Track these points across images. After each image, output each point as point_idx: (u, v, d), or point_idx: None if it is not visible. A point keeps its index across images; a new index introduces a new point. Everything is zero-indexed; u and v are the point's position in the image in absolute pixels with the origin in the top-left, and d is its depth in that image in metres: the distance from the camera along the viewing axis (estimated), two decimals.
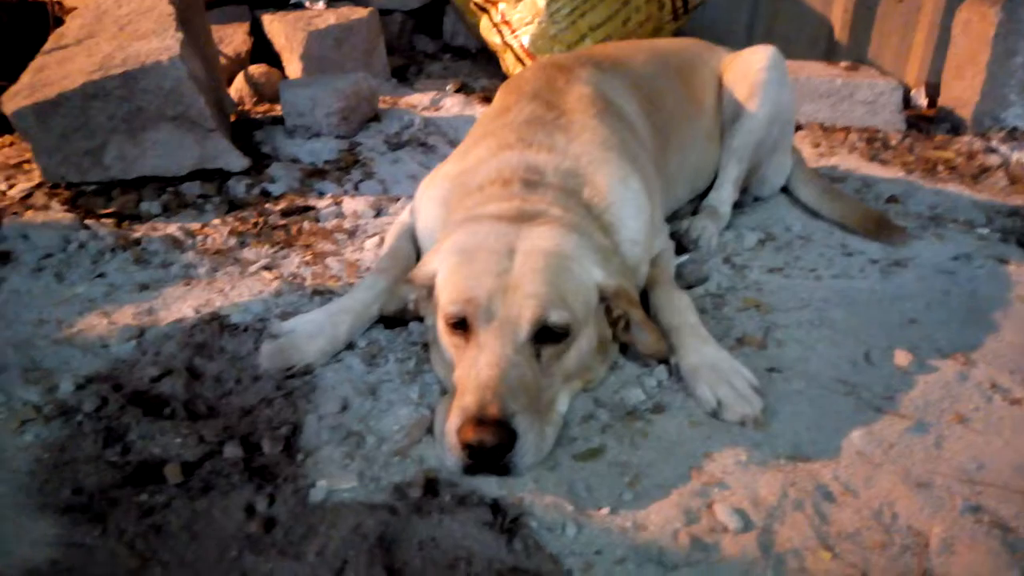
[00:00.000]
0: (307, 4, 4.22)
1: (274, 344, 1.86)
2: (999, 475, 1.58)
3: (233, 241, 2.47)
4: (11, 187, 2.81)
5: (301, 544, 1.38)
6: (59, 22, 3.51)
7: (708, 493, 1.51)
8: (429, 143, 3.32)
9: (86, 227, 2.52)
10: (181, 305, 2.10)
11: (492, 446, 1.45)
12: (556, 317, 1.59)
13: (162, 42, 2.84)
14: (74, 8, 3.74)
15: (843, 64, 4.24)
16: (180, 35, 2.87)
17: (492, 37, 4.36)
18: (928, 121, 4.13)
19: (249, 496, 1.48)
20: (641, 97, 2.36)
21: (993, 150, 3.71)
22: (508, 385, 1.50)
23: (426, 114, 3.68)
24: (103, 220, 2.59)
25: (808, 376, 1.86)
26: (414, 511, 1.45)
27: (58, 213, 2.60)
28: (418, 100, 3.88)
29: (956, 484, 1.55)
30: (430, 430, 1.63)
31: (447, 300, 1.67)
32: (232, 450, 1.58)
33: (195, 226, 2.58)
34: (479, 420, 1.46)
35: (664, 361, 1.86)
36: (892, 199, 3.03)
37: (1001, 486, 1.55)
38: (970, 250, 2.57)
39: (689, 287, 2.24)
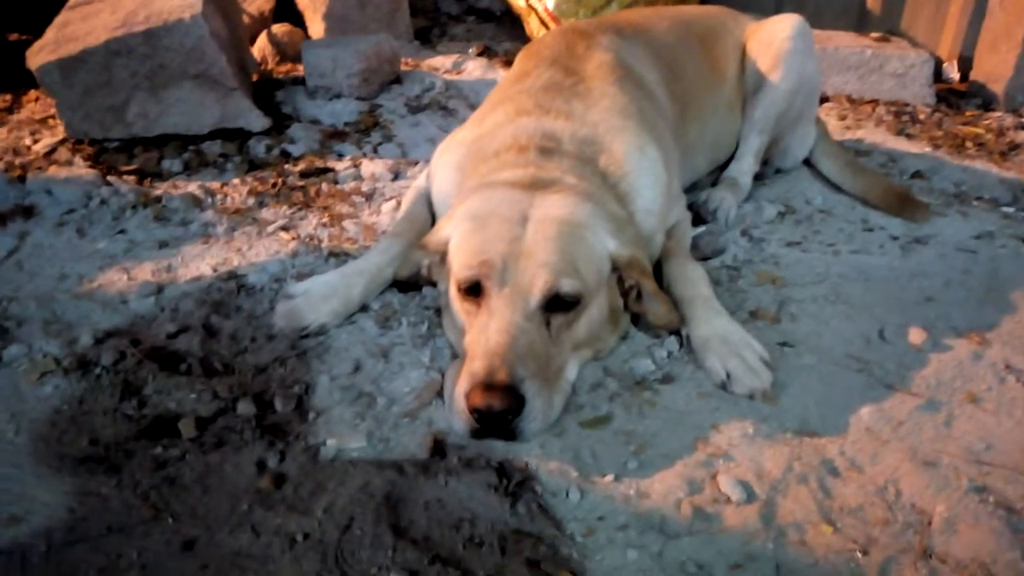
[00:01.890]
0: None
1: (289, 304, 1.88)
2: (1007, 456, 1.57)
3: (252, 201, 2.48)
4: (36, 142, 2.84)
5: (310, 500, 1.41)
6: None
7: (713, 464, 1.52)
8: (449, 107, 3.31)
9: (108, 183, 2.55)
10: (199, 263, 2.13)
11: (500, 411, 1.47)
12: (568, 286, 1.60)
13: (184, 0, 2.84)
14: None
15: (874, 35, 4.15)
16: None
17: (517, 0, 4.31)
18: (959, 95, 4.04)
19: (261, 452, 1.51)
20: (662, 65, 2.33)
21: None
22: (517, 352, 1.52)
23: (448, 77, 3.66)
24: (125, 177, 2.62)
25: (820, 351, 1.85)
26: (421, 472, 1.48)
27: (81, 169, 2.63)
28: (440, 63, 3.86)
29: (963, 463, 1.55)
30: (440, 393, 1.65)
31: (459, 265, 1.67)
32: (245, 407, 1.61)
33: (215, 185, 2.59)
34: (487, 385, 1.47)
35: (676, 332, 1.86)
36: (917, 175, 2.98)
37: (1009, 467, 1.55)
38: (993, 228, 2.53)
39: (705, 259, 2.24)
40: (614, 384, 1.73)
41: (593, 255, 1.69)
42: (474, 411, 1.49)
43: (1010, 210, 2.72)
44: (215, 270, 2.09)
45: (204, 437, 1.55)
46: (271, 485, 1.44)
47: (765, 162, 2.74)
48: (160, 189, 2.56)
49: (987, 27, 4.03)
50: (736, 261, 2.24)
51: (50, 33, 2.87)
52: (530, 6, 4.22)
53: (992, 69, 3.96)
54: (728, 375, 1.70)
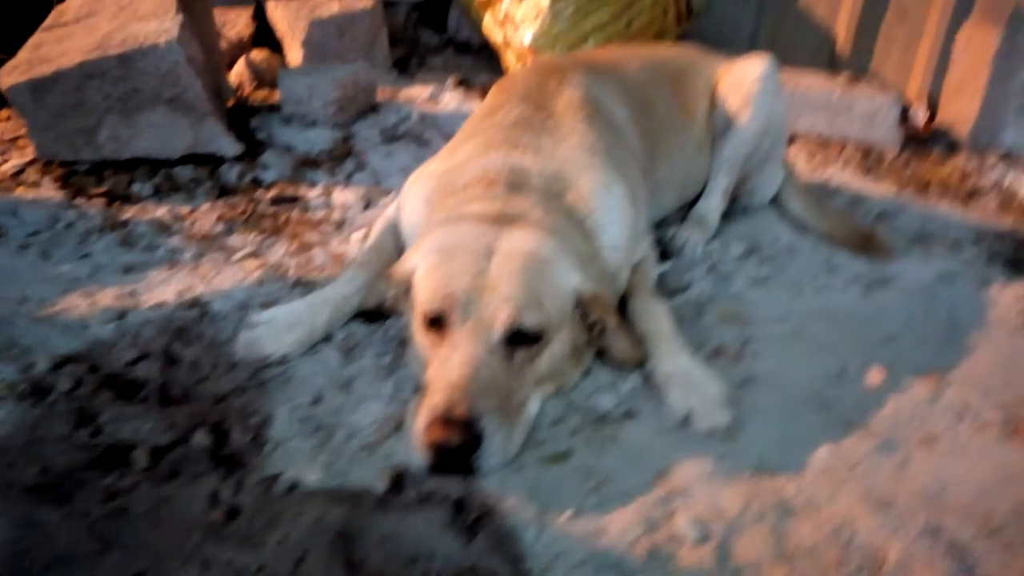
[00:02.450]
0: None
1: (251, 333, 1.87)
2: (961, 498, 1.59)
3: (220, 227, 2.47)
4: (4, 162, 2.82)
5: (263, 534, 1.39)
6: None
7: (670, 502, 1.52)
8: (425, 137, 3.32)
9: (75, 206, 2.53)
10: (164, 289, 2.11)
11: (457, 446, 1.46)
12: (530, 320, 1.61)
13: (161, 24, 2.84)
14: None
15: (843, 76, 4.24)
16: (180, 18, 2.88)
17: (494, 34, 4.36)
18: (925, 139, 4.13)
19: (215, 484, 1.49)
20: (632, 104, 2.36)
21: (987, 171, 3.71)
22: (478, 386, 1.52)
23: (424, 108, 3.68)
24: (93, 200, 2.60)
25: (781, 390, 1.87)
26: (377, 506, 1.47)
27: (49, 191, 2.61)
28: (417, 93, 3.88)
29: (918, 505, 1.56)
30: (400, 427, 1.64)
31: (424, 298, 1.68)
32: (201, 437, 1.60)
33: (184, 210, 2.58)
34: (446, 420, 1.47)
35: (639, 368, 1.87)
36: (882, 216, 3.03)
37: (962, 509, 1.56)
38: (955, 270, 2.58)
39: (670, 295, 2.25)
40: (576, 419, 1.73)
41: (557, 290, 1.70)
42: (432, 445, 1.48)
43: (971, 253, 2.77)
44: (179, 296, 2.07)
45: (158, 467, 1.53)
46: (224, 518, 1.42)
47: (733, 200, 2.77)
48: (128, 213, 2.54)
49: (952, 72, 4.14)
50: (701, 297, 2.26)
51: (23, 54, 2.86)
52: (507, 40, 4.27)
53: (957, 113, 4.06)
54: (689, 412, 1.71)
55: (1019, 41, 3.80)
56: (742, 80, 2.70)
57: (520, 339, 1.62)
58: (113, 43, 2.78)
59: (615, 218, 1.95)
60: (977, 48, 3.93)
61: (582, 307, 1.75)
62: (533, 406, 1.68)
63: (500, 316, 1.59)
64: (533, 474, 1.57)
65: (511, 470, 1.56)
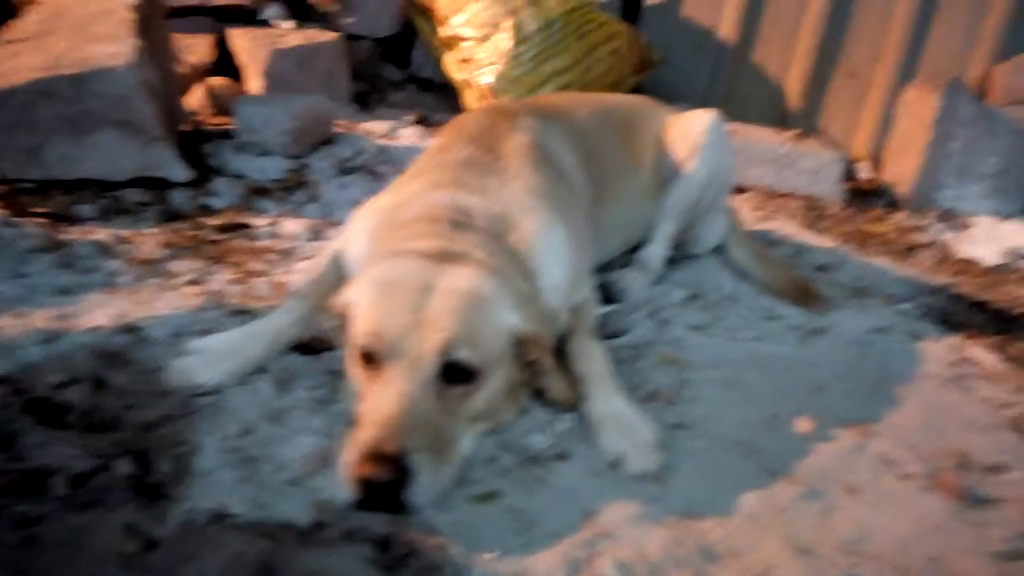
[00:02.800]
0: (274, 23, 4.24)
1: (185, 360, 1.85)
2: (880, 548, 1.63)
3: (164, 252, 2.45)
4: None
5: (179, 567, 1.36)
6: (16, 12, 3.48)
7: (595, 545, 1.52)
8: (379, 171, 3.34)
9: (16, 225, 2.48)
10: (99, 313, 2.08)
11: (385, 482, 1.46)
12: (464, 356, 1.62)
13: (117, 47, 2.83)
14: (36, 1, 3.71)
15: (791, 132, 4.37)
16: (136, 42, 2.87)
17: (456, 73, 4.43)
18: (868, 195, 4.27)
19: (133, 515, 1.46)
20: (580, 150, 2.41)
21: (925, 228, 3.85)
22: (408, 423, 1.52)
23: (381, 142, 3.71)
24: (35, 219, 2.56)
25: (712, 435, 1.90)
26: (300, 541, 1.45)
27: None
28: (375, 127, 3.91)
29: (837, 554, 1.59)
30: (330, 461, 1.63)
31: (360, 332, 1.68)
32: (124, 466, 1.56)
33: (128, 233, 2.55)
34: (375, 456, 1.47)
35: (574, 409, 1.89)
36: (822, 268, 3.12)
37: (880, 559, 1.60)
38: (888, 324, 2.65)
39: (611, 337, 2.28)
40: (508, 459, 1.73)
41: (495, 329, 1.71)
42: (360, 481, 1.47)
43: (905, 307, 2.87)
44: (114, 321, 2.04)
45: (76, 495, 1.49)
46: (141, 549, 1.39)
47: (677, 247, 2.83)
48: (70, 234, 2.50)
49: (894, 133, 4.31)
50: (640, 342, 2.29)
51: None
52: (468, 80, 4.34)
53: (898, 172, 4.21)
54: (620, 455, 1.73)
55: (957, 107, 3.98)
56: (690, 131, 2.78)
57: (455, 376, 1.63)
58: (66, 63, 2.76)
59: (556, 260, 1.98)
60: (918, 111, 4.10)
61: (520, 347, 1.77)
62: (466, 444, 1.68)
63: (432, 351, 1.60)
64: (461, 513, 1.57)
65: (439, 508, 1.56)
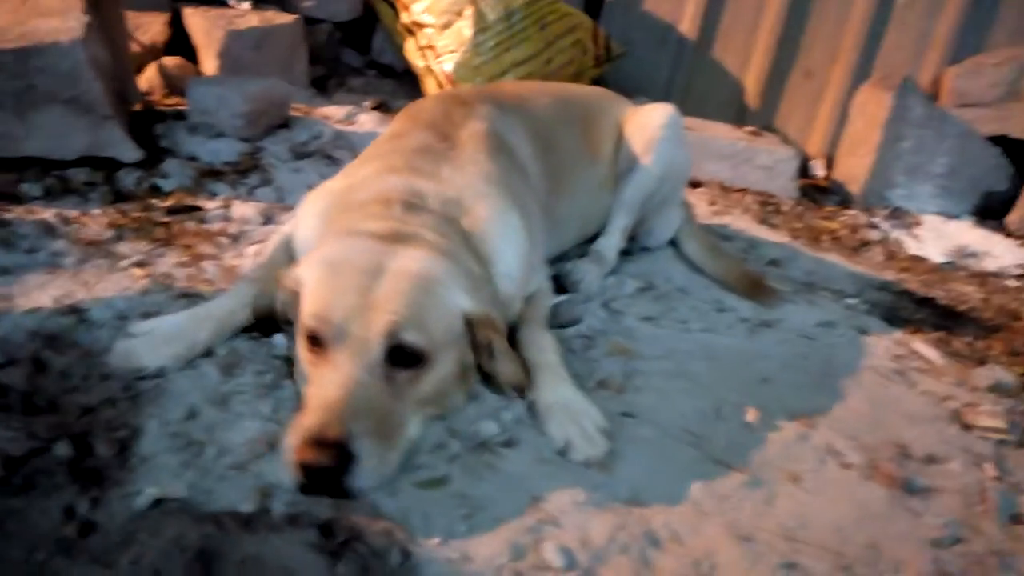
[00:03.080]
0: (231, 3, 4.16)
1: (128, 343, 1.81)
2: (819, 535, 1.66)
3: (110, 234, 2.40)
4: None
5: (116, 552, 1.34)
6: None
7: (540, 530, 1.53)
8: (335, 156, 3.31)
9: None
10: (41, 294, 2.03)
11: (326, 468, 1.45)
12: (410, 338, 1.61)
13: (65, 22, 2.76)
14: None
15: (748, 129, 4.43)
16: (85, 18, 2.80)
17: (416, 60, 4.40)
18: (821, 192, 4.35)
19: (71, 498, 1.43)
20: (537, 140, 2.41)
21: (875, 226, 3.94)
22: (353, 407, 1.51)
23: (339, 127, 3.67)
24: None
25: (659, 424, 1.92)
26: (242, 526, 1.43)
27: None
28: (333, 112, 3.87)
29: (777, 540, 1.62)
30: (275, 446, 1.61)
31: (307, 313, 1.66)
32: (63, 449, 1.53)
33: (73, 214, 2.49)
34: (317, 441, 1.45)
35: (523, 395, 1.89)
36: (773, 262, 3.17)
37: (819, 545, 1.63)
38: (835, 318, 2.70)
39: (563, 327, 2.29)
40: (457, 445, 1.73)
41: (445, 311, 1.71)
42: (303, 466, 1.46)
43: (853, 301, 2.93)
44: (56, 302, 1.99)
45: (12, 478, 1.46)
46: (77, 533, 1.36)
47: (632, 239, 2.85)
48: (13, 213, 2.43)
49: (847, 132, 4.38)
50: (592, 331, 2.31)
51: None
52: (429, 67, 4.31)
53: (850, 170, 4.30)
54: (567, 442, 1.74)
55: (907, 108, 4.07)
56: (647, 125, 2.80)
57: (402, 359, 1.62)
58: (10, 36, 2.68)
59: (510, 246, 1.98)
60: (871, 111, 4.18)
61: (471, 330, 1.76)
62: (414, 428, 1.68)
63: (378, 333, 1.59)
64: (407, 499, 1.56)
65: (385, 494, 1.55)
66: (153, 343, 1.81)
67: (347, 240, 1.77)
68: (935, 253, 3.73)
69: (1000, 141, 4.26)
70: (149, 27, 4.00)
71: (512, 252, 1.99)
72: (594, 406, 1.84)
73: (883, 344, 2.59)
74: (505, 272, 1.97)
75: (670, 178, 2.80)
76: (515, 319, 2.07)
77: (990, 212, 4.27)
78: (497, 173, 2.07)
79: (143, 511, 1.43)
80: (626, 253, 2.84)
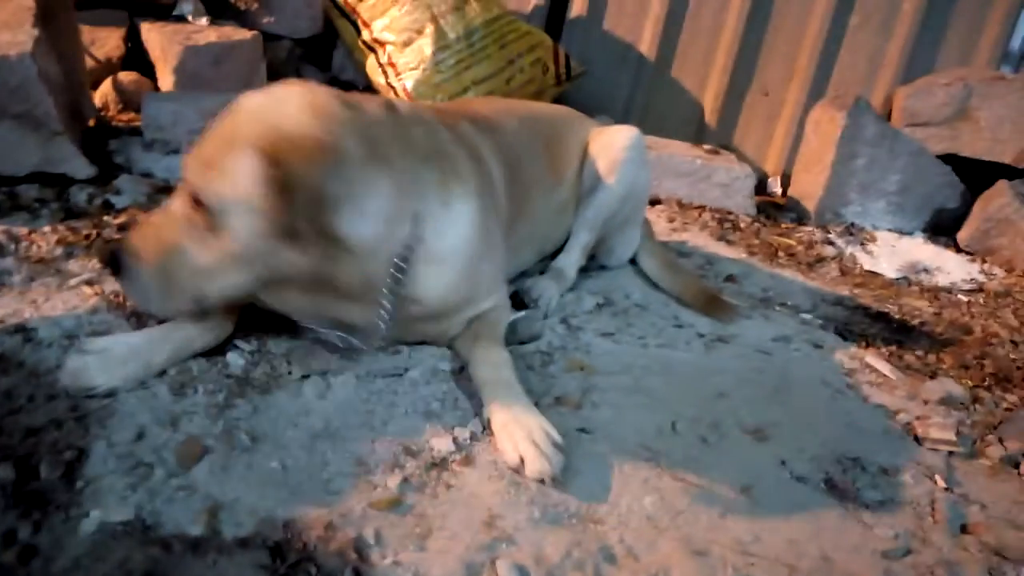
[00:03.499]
0: (189, 18, 4.13)
1: (80, 361, 1.77)
2: (771, 548, 1.68)
3: (60, 251, 2.35)
4: None
5: None
6: None
7: (495, 548, 1.53)
8: None
9: None
10: None
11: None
12: (191, 176, 1.74)
13: (14, 36, 2.71)
14: None
15: (706, 147, 4.50)
16: (35, 32, 2.75)
17: (377, 77, 4.40)
18: (778, 209, 4.42)
19: (12, 522, 1.39)
20: (504, 162, 2.37)
21: (831, 242, 4.01)
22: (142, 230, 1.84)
23: None
24: None
25: (615, 439, 1.93)
26: (190, 549, 1.40)
27: None
28: None
29: (731, 554, 1.63)
30: (206, 451, 1.62)
31: None
32: (4, 471, 1.49)
33: (23, 231, 2.44)
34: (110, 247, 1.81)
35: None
36: (730, 278, 3.21)
37: (772, 559, 1.65)
38: (790, 333, 2.74)
39: (521, 343, 2.30)
40: (411, 464, 1.72)
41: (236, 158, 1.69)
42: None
43: (808, 316, 2.97)
44: (2, 321, 1.95)
45: None
46: (16, 559, 1.33)
47: (592, 257, 2.87)
48: None
49: (802, 150, 4.47)
50: (551, 347, 2.31)
51: None
52: (389, 84, 4.32)
53: (806, 188, 4.38)
54: (521, 459, 1.73)
55: (860, 127, 4.16)
56: (610, 146, 2.82)
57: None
58: None
59: (453, 220, 1.96)
60: (825, 129, 4.27)
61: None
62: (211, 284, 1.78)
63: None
64: (360, 519, 1.55)
65: (338, 514, 1.53)
66: (106, 363, 1.77)
67: None
68: (888, 269, 3.81)
69: (951, 159, 4.38)
70: (105, 42, 3.95)
71: (453, 232, 1.95)
72: (548, 422, 1.84)
73: (837, 358, 2.63)
74: (435, 248, 1.92)
75: (632, 199, 2.83)
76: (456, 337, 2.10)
77: (942, 229, 4.38)
78: (468, 164, 2.05)
79: (88, 535, 1.39)
80: (584, 270, 2.85)
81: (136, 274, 1.74)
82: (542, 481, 1.71)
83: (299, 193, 1.61)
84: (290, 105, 1.70)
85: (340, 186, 1.67)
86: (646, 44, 4.92)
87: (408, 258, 1.85)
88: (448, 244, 1.94)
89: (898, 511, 1.89)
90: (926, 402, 2.44)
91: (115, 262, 1.76)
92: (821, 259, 3.76)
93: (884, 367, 2.63)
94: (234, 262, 1.72)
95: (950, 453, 2.18)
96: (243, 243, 1.68)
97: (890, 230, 4.29)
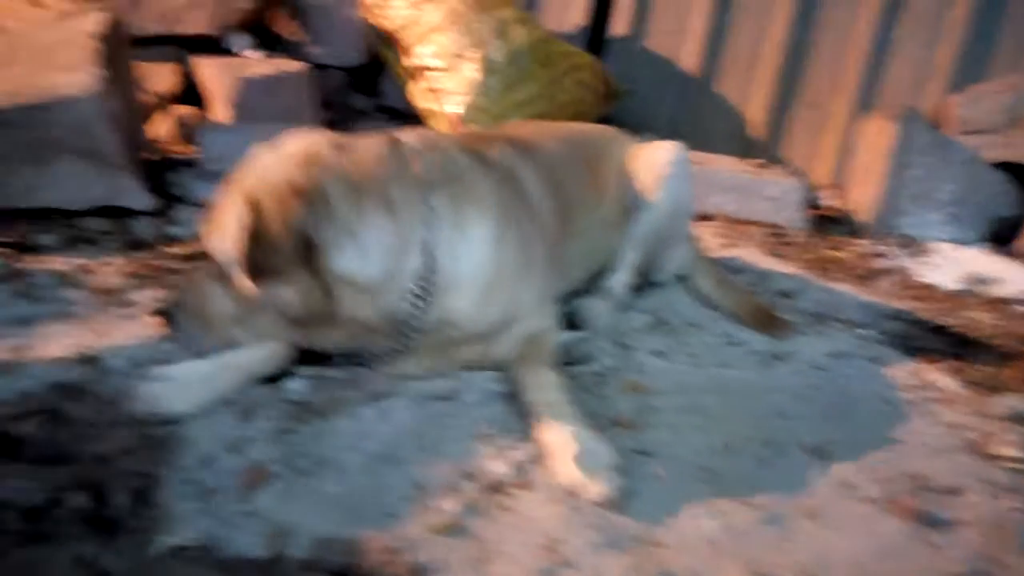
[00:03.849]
0: (241, 52, 4.25)
1: (154, 387, 1.83)
2: (838, 571, 1.64)
3: (124, 282, 2.43)
4: None
5: None
6: None
7: (555, 573, 1.52)
8: None
9: None
10: (57, 343, 2.05)
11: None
12: (211, 243, 1.92)
13: (79, 77, 2.82)
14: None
15: (754, 161, 4.46)
16: (98, 71, 2.86)
17: (423, 103, 4.46)
18: (830, 222, 4.36)
19: (87, 548, 1.43)
20: (547, 183, 2.39)
21: (885, 255, 3.93)
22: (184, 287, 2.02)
23: None
24: None
25: (673, 461, 1.91)
26: (257, 573, 1.43)
27: None
28: None
29: None
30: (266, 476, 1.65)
31: None
32: (78, 499, 1.54)
33: (89, 263, 2.53)
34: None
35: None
36: (784, 294, 3.17)
37: None
38: (848, 348, 2.70)
39: (574, 364, 2.30)
40: (469, 487, 1.73)
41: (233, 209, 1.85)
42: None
43: (866, 332, 2.92)
44: (72, 351, 2.01)
45: (29, 530, 1.47)
46: None
47: (641, 275, 2.86)
48: (30, 264, 2.47)
49: (854, 162, 4.41)
50: (604, 368, 2.31)
51: None
52: (435, 110, 4.37)
53: (859, 200, 4.31)
54: (578, 482, 1.73)
55: (912, 137, 4.09)
56: (654, 163, 2.82)
57: None
58: (28, 91, 2.75)
59: (468, 248, 1.97)
60: (876, 140, 4.21)
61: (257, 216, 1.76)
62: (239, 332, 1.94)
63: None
64: (421, 543, 1.56)
65: (397, 538, 1.55)
66: (178, 389, 1.82)
67: None
68: (947, 280, 3.72)
69: (1006, 167, 4.27)
70: (161, 77, 4.08)
71: (468, 255, 1.96)
72: (604, 444, 1.83)
73: (897, 374, 2.58)
74: (452, 273, 1.94)
75: (678, 214, 2.82)
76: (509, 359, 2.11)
77: (999, 238, 4.26)
78: (490, 187, 2.06)
79: (159, 559, 1.43)
80: (635, 290, 2.84)
81: (183, 325, 1.93)
82: (601, 504, 1.71)
83: (276, 237, 1.71)
84: (281, 155, 1.84)
85: (327, 227, 1.76)
86: (689, 60, 4.91)
87: (425, 287, 1.89)
88: (465, 268, 1.96)
89: (967, 531, 1.84)
90: (992, 418, 2.38)
91: (166, 315, 1.95)
92: (876, 272, 3.69)
93: (947, 382, 2.57)
94: (250, 306, 1.87)
95: (1019, 471, 2.11)
96: (248, 287, 1.79)
97: (946, 240, 4.19)
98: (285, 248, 1.73)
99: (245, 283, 1.79)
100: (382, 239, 1.82)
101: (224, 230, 1.80)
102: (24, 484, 1.57)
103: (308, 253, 1.76)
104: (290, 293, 1.82)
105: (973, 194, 4.23)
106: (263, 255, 1.73)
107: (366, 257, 1.81)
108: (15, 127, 2.68)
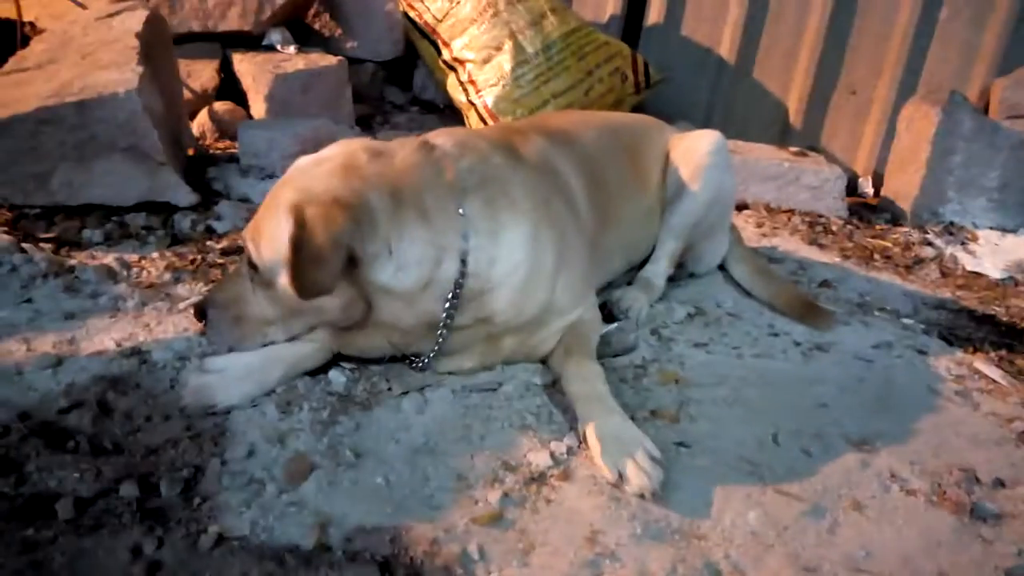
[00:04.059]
0: (278, 48, 4.29)
1: (201, 380, 1.86)
2: (885, 564, 1.62)
3: (168, 276, 2.47)
4: None
5: None
6: (26, 42, 3.54)
7: (598, 564, 1.52)
8: None
9: (22, 251, 2.51)
10: (104, 337, 2.10)
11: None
12: (247, 247, 1.93)
13: (122, 74, 2.87)
14: (44, 30, 3.77)
15: (792, 149, 4.39)
16: (141, 69, 2.91)
17: (458, 95, 4.47)
18: (871, 210, 4.28)
19: (138, 537, 1.46)
20: (585, 172, 2.38)
21: (928, 243, 3.86)
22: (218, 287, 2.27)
23: None
24: (42, 245, 2.59)
25: (714, 453, 1.90)
26: (303, 563, 1.45)
27: None
28: None
29: (842, 571, 1.58)
30: (311, 468, 1.67)
31: None
32: (128, 489, 1.57)
33: (133, 258, 2.58)
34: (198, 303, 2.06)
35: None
36: (825, 283, 3.12)
37: (886, 575, 1.59)
38: (892, 339, 2.65)
39: (615, 356, 2.29)
40: (511, 479, 1.73)
41: (275, 216, 1.83)
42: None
43: (909, 321, 2.86)
44: (119, 345, 2.06)
45: (81, 519, 1.50)
46: (144, 572, 1.40)
47: (680, 265, 2.84)
48: (76, 259, 2.53)
49: (895, 149, 4.32)
50: (643, 360, 2.29)
51: None
52: (470, 102, 4.37)
53: (900, 187, 4.22)
54: (620, 474, 1.72)
55: (956, 122, 3.99)
56: (694, 151, 2.79)
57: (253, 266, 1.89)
58: (72, 90, 2.80)
59: (508, 247, 1.96)
60: (919, 126, 4.12)
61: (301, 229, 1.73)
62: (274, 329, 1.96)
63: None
64: (464, 534, 1.57)
65: (441, 530, 1.56)
66: (226, 381, 1.86)
67: None
68: (992, 269, 3.64)
69: None
70: (200, 74, 4.13)
71: (503, 259, 1.94)
72: (646, 436, 1.83)
73: (943, 364, 2.53)
74: (488, 277, 1.94)
75: (718, 204, 2.78)
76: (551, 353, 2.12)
77: None
78: (525, 184, 2.05)
79: (208, 550, 1.45)
80: (673, 279, 2.82)
81: (216, 323, 1.96)
82: (642, 496, 1.70)
83: (323, 251, 1.71)
84: (325, 166, 1.87)
85: (372, 242, 1.78)
86: (726, 48, 4.85)
87: (459, 293, 1.90)
88: (500, 271, 1.95)
89: (1016, 524, 1.80)
90: None
91: (201, 312, 1.99)
92: (920, 261, 3.62)
93: (994, 372, 2.51)
94: (289, 312, 1.91)
95: None
96: (290, 296, 1.80)
97: (992, 228, 4.10)
98: (332, 263, 1.73)
99: (288, 293, 1.80)
100: (419, 250, 1.84)
101: (271, 242, 1.81)
102: (76, 475, 1.61)
103: (351, 266, 1.78)
104: (331, 301, 1.84)
105: (1020, 180, 4.12)
106: (311, 270, 1.73)
107: (405, 268, 1.83)
108: (61, 125, 2.73)
